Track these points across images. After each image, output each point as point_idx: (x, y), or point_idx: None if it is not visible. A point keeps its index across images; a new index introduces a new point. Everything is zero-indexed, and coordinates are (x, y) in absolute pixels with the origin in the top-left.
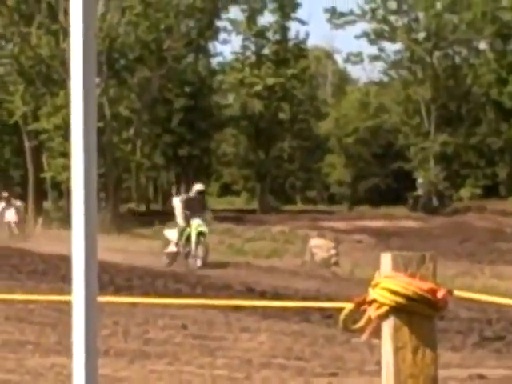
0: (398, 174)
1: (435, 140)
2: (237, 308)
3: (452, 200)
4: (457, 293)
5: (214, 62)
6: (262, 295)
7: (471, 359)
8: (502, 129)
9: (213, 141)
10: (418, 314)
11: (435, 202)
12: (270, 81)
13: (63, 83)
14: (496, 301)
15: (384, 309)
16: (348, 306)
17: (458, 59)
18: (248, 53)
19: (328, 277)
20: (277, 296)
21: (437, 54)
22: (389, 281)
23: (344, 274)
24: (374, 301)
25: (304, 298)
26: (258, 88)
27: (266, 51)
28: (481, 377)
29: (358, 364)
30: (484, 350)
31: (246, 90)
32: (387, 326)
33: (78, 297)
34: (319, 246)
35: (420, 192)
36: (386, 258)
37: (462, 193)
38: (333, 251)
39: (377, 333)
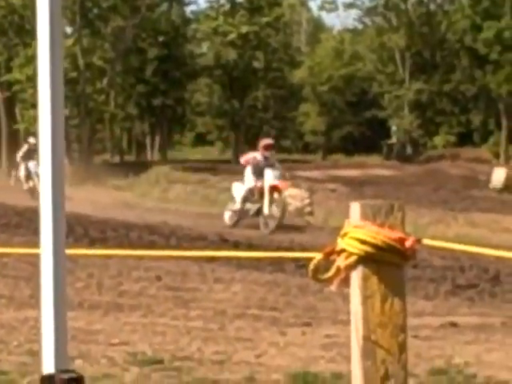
0: (372, 122)
1: (409, 88)
2: (211, 259)
3: (426, 148)
4: (426, 242)
5: (188, 10)
6: (236, 246)
7: (444, 307)
8: (476, 76)
9: (187, 90)
10: (387, 263)
11: (409, 149)
12: (244, 29)
13: (36, 34)
14: (467, 249)
15: (353, 258)
16: (317, 256)
17: (432, 6)
18: (222, 1)
19: (302, 226)
20: (251, 246)
21: (411, 0)
22: (357, 230)
23: (318, 223)
24: (342, 250)
25: (278, 248)
26: (232, 36)
27: None
28: (453, 325)
29: (331, 313)
30: (457, 298)
31: (220, 39)
32: (356, 276)
33: (46, 250)
34: (293, 196)
35: (394, 140)
36: (355, 208)
37: (436, 140)
38: (307, 201)
39: (346, 282)
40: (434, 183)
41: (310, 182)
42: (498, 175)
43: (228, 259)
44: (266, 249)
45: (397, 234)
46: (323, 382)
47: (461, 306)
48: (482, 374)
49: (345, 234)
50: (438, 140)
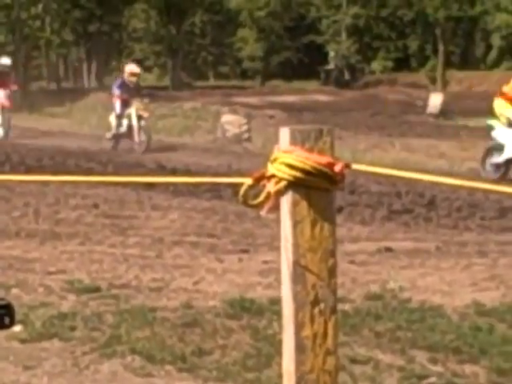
0: (309, 47)
1: (347, 12)
2: (148, 186)
3: (364, 73)
4: (356, 167)
5: None
6: (174, 172)
7: (380, 232)
8: (413, 0)
9: (123, 16)
10: (316, 189)
11: (347, 75)
12: None
13: None
14: (402, 175)
15: (282, 183)
16: (247, 182)
17: None
18: None
19: (240, 153)
20: (188, 173)
21: None
22: (286, 155)
23: (256, 150)
24: (272, 176)
25: (215, 175)
26: None
27: None
28: (389, 250)
29: (269, 240)
30: (392, 223)
31: None
32: (286, 201)
33: None
34: (231, 122)
35: (332, 66)
36: (284, 133)
37: (373, 66)
38: (244, 127)
39: (277, 208)
40: (372, 109)
41: (248, 108)
42: (435, 100)
43: (165, 186)
44: (203, 175)
45: (326, 159)
46: (260, 308)
47: (396, 231)
48: (417, 298)
49: (274, 160)
50: (376, 65)
